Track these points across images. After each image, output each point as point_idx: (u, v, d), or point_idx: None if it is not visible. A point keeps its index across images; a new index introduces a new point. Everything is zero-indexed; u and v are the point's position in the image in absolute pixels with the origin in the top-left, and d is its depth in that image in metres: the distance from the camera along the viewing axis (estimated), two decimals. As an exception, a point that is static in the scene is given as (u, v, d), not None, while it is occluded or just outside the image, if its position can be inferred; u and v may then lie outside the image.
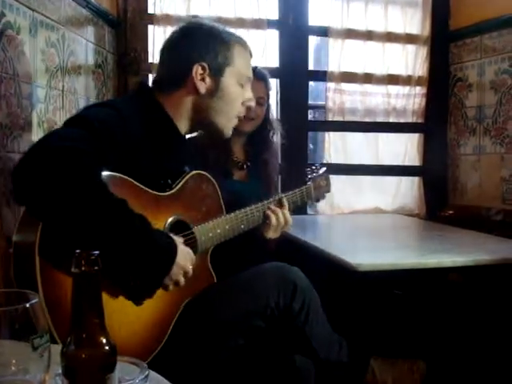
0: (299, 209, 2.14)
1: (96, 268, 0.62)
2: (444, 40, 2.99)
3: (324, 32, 2.90)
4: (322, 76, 2.92)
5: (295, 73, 2.88)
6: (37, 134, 1.66)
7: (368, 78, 2.92)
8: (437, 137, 3.02)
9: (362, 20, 2.90)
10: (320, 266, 1.81)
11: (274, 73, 2.77)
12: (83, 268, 0.62)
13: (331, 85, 2.89)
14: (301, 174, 2.46)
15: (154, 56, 2.63)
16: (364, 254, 1.79)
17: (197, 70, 1.45)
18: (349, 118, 2.94)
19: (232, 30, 1.56)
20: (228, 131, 1.55)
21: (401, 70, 2.97)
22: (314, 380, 1.54)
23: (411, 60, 2.96)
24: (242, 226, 1.58)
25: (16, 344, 0.62)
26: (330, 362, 1.60)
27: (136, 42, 2.70)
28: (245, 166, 2.14)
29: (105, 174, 1.21)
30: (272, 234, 1.67)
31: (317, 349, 1.56)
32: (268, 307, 1.45)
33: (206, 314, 1.44)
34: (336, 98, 2.90)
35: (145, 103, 1.45)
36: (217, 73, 1.47)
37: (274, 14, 2.87)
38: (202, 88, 1.46)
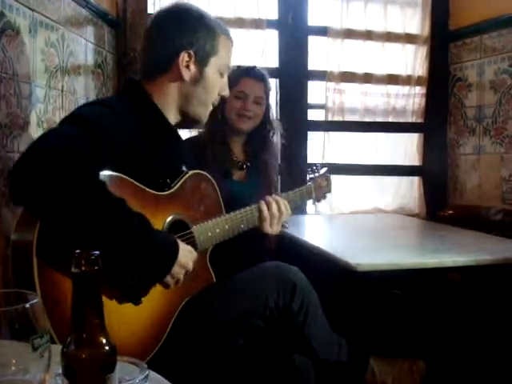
0: (299, 208, 2.14)
1: (96, 268, 0.62)
2: (444, 40, 2.99)
3: (323, 32, 2.90)
4: (321, 76, 2.91)
5: (295, 73, 2.88)
6: (36, 134, 1.66)
7: (368, 78, 2.92)
8: (436, 137, 3.02)
9: (362, 20, 2.90)
10: (320, 266, 1.81)
11: (274, 73, 2.78)
12: (83, 268, 0.62)
13: (331, 85, 2.89)
14: (301, 173, 2.47)
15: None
16: (363, 253, 1.79)
17: (183, 57, 1.44)
18: (348, 117, 2.94)
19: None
20: (204, 119, 1.56)
21: (400, 70, 2.97)
22: (314, 380, 1.54)
23: (411, 60, 2.97)
24: (242, 226, 1.58)
25: (16, 344, 0.62)
26: (330, 361, 1.61)
27: (135, 41, 2.69)
28: (244, 166, 2.14)
29: (103, 173, 1.21)
30: (269, 228, 1.64)
31: (316, 349, 1.56)
32: (267, 307, 1.45)
33: (205, 314, 1.44)
34: (336, 98, 2.90)
35: (135, 98, 1.45)
36: (202, 61, 1.47)
37: (273, 14, 2.87)
38: (187, 75, 1.46)
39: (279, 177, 2.27)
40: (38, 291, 1.09)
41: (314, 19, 2.94)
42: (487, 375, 1.86)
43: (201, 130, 2.15)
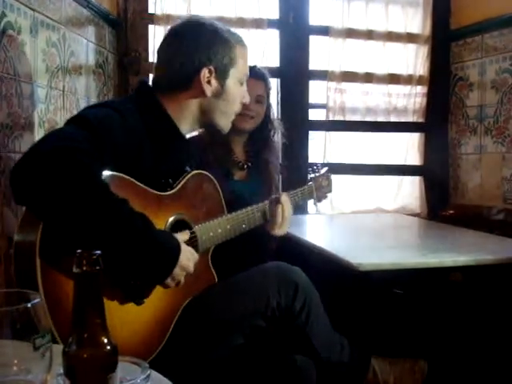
0: (300, 208, 2.14)
1: (97, 268, 0.62)
2: (445, 39, 2.99)
3: (325, 31, 2.89)
4: (322, 75, 2.91)
5: (296, 72, 2.88)
6: (38, 134, 1.66)
7: (369, 78, 2.92)
8: (438, 136, 3.02)
9: (363, 19, 2.90)
10: (321, 265, 1.81)
11: (275, 72, 2.78)
12: (84, 268, 0.62)
13: (332, 84, 2.89)
14: (302, 173, 2.47)
15: (154, 56, 2.62)
16: (365, 253, 1.78)
17: (204, 74, 1.44)
18: (350, 117, 2.94)
19: (232, 29, 1.56)
20: (228, 128, 1.57)
21: (402, 70, 2.96)
22: (316, 380, 1.53)
23: (412, 59, 2.96)
24: (244, 226, 1.58)
25: (18, 344, 0.62)
26: (332, 361, 1.61)
27: (136, 41, 2.70)
28: (245, 166, 2.14)
29: (105, 173, 1.21)
30: (278, 231, 1.69)
31: (318, 349, 1.56)
32: (269, 307, 1.45)
33: (207, 314, 1.44)
34: (337, 98, 2.90)
35: (145, 103, 1.44)
36: (222, 75, 1.47)
37: (274, 14, 2.87)
38: (209, 91, 1.46)
39: (280, 176, 2.27)
40: (41, 291, 1.09)
41: (315, 19, 2.94)
42: (489, 375, 1.86)
43: (202, 130, 2.14)
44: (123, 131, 1.28)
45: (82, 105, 2.07)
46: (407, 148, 3.03)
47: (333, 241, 2.25)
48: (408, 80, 2.96)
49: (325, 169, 1.98)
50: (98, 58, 2.35)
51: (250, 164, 2.14)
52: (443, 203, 3.00)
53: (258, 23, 2.77)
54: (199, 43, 1.45)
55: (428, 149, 3.02)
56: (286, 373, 1.50)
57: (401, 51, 2.96)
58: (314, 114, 3.00)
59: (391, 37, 2.93)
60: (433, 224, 2.67)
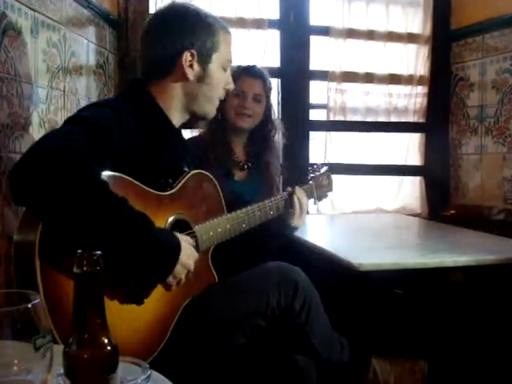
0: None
1: (98, 268, 0.62)
2: (445, 39, 2.99)
3: (325, 31, 2.89)
4: (323, 76, 2.91)
5: (296, 72, 2.88)
6: (38, 135, 1.66)
7: (369, 78, 2.92)
8: (438, 136, 3.02)
9: (364, 19, 2.90)
10: (321, 265, 1.81)
11: (275, 73, 2.78)
12: (85, 268, 0.62)
13: (332, 84, 2.89)
14: (302, 173, 2.46)
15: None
16: (365, 253, 1.79)
17: (186, 57, 1.45)
18: (350, 117, 2.94)
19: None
20: (211, 114, 1.57)
21: (402, 70, 2.96)
22: (316, 380, 1.53)
23: (413, 59, 2.96)
24: (244, 225, 1.58)
25: (18, 344, 0.62)
26: (332, 361, 1.61)
27: (137, 42, 2.66)
28: (246, 167, 2.14)
29: (105, 173, 1.21)
30: (297, 222, 1.81)
31: (318, 348, 1.56)
32: (269, 306, 1.45)
33: (208, 314, 1.44)
34: (337, 98, 2.90)
35: (136, 98, 1.45)
36: (205, 59, 1.47)
37: (275, 14, 2.87)
38: (191, 75, 1.46)
39: (281, 177, 2.27)
40: (41, 291, 1.09)
41: (315, 19, 2.94)
42: (489, 375, 1.86)
43: (202, 130, 2.15)
44: (119, 130, 1.29)
45: (83, 105, 2.06)
46: (408, 148, 3.03)
47: (333, 241, 2.25)
48: (409, 80, 2.96)
49: (325, 168, 1.98)
50: (99, 59, 2.35)
51: (250, 164, 2.15)
52: (444, 203, 3.00)
53: (258, 23, 2.77)
54: (182, 27, 1.46)
55: (428, 149, 3.02)
56: (287, 373, 1.50)
57: (401, 51, 2.96)
58: (315, 115, 2.99)
59: (392, 37, 2.93)
60: (433, 224, 2.67)
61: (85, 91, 2.14)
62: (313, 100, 2.97)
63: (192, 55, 1.45)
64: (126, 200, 1.17)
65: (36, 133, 1.66)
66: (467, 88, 2.89)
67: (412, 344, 1.91)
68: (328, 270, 1.80)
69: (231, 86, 1.59)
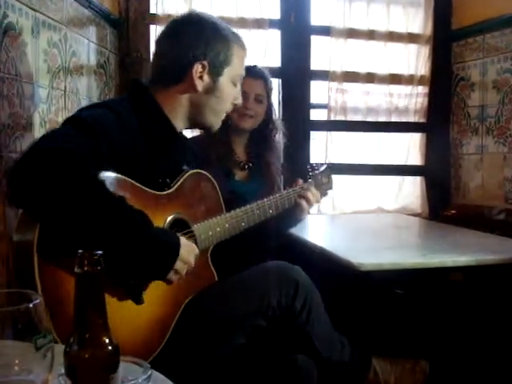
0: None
1: (99, 268, 0.62)
2: (446, 39, 2.99)
3: (326, 31, 2.89)
4: (324, 75, 2.91)
5: (297, 72, 2.88)
6: (39, 135, 1.66)
7: (370, 78, 2.92)
8: (439, 136, 3.01)
9: (364, 19, 2.90)
10: (322, 265, 1.81)
11: (276, 72, 2.78)
12: (86, 268, 0.62)
13: (333, 84, 2.89)
14: (303, 173, 2.46)
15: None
16: (366, 253, 1.78)
17: (197, 69, 1.44)
18: (351, 117, 2.94)
19: (233, 29, 1.56)
20: (216, 127, 1.57)
21: (403, 70, 2.96)
22: (317, 379, 1.53)
23: (413, 59, 2.96)
24: (243, 224, 1.58)
25: (19, 344, 0.62)
26: (332, 361, 1.60)
27: (138, 42, 2.70)
28: (246, 167, 2.14)
29: (103, 174, 1.21)
30: (305, 215, 1.84)
31: (319, 348, 1.56)
32: (270, 306, 1.45)
33: (208, 314, 1.44)
34: (338, 98, 2.90)
35: (139, 101, 1.44)
36: (216, 72, 1.47)
37: (275, 14, 2.86)
38: (200, 86, 1.46)
39: (282, 177, 2.26)
40: (39, 291, 1.09)
41: (316, 19, 2.93)
42: (490, 375, 1.86)
43: (203, 130, 2.15)
44: (119, 131, 1.29)
45: (84, 105, 2.07)
46: (408, 148, 3.02)
47: (334, 241, 2.24)
48: (409, 80, 2.96)
49: (324, 166, 1.97)
50: (100, 59, 2.36)
51: (251, 164, 2.14)
52: (444, 203, 3.00)
53: (259, 23, 2.77)
54: (196, 37, 1.45)
55: (429, 149, 3.02)
56: (287, 372, 1.51)
57: (402, 51, 2.96)
58: (316, 114, 2.99)
59: (392, 37, 2.93)
60: (434, 224, 2.67)
61: (86, 91, 2.14)
62: (313, 100, 2.97)
63: (203, 67, 1.45)
64: (124, 199, 1.17)
65: (37, 133, 1.66)
66: (468, 88, 2.89)
67: (413, 344, 1.91)
68: (328, 269, 1.80)
69: (239, 102, 1.59)
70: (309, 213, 1.85)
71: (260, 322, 1.47)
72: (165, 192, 1.41)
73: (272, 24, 2.82)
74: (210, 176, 1.59)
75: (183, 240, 1.29)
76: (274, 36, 2.86)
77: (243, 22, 2.73)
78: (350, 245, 2.04)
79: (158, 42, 1.54)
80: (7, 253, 1.40)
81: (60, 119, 1.83)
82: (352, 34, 2.89)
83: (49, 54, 1.76)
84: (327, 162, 2.85)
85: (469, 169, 2.89)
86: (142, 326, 1.30)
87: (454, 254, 1.78)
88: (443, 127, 3.02)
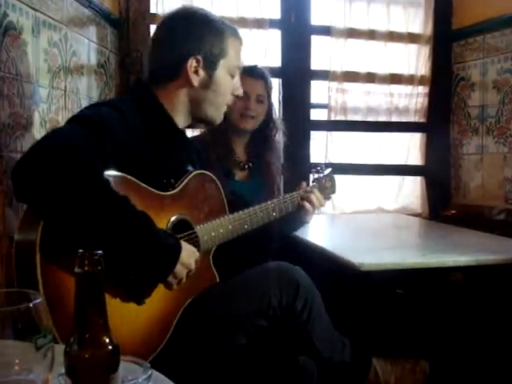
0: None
1: (99, 268, 0.62)
2: (446, 39, 2.99)
3: (326, 31, 2.89)
4: (324, 75, 2.91)
5: (297, 72, 2.88)
6: (39, 134, 1.66)
7: (370, 78, 2.92)
8: (439, 136, 3.01)
9: (365, 19, 2.90)
10: (322, 265, 1.81)
11: (277, 72, 2.78)
12: (86, 268, 0.62)
13: (333, 84, 2.89)
14: (303, 173, 2.47)
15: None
16: (366, 253, 1.78)
17: (191, 64, 1.44)
18: (351, 117, 2.94)
19: (232, 26, 1.55)
20: (218, 120, 1.57)
21: (403, 70, 2.96)
22: (317, 379, 1.53)
23: (413, 59, 2.96)
24: (246, 226, 1.58)
25: (19, 344, 0.62)
26: (333, 361, 1.60)
27: (138, 41, 2.70)
28: (247, 167, 2.14)
29: (107, 173, 1.21)
30: (310, 218, 1.81)
31: (319, 348, 1.56)
32: (270, 306, 1.45)
33: (209, 314, 1.44)
34: (338, 98, 2.90)
35: (141, 99, 1.45)
36: (211, 66, 1.47)
37: (276, 14, 2.86)
38: (195, 81, 1.46)
39: (282, 177, 2.26)
40: (41, 291, 1.09)
41: (316, 19, 2.93)
42: (490, 375, 1.86)
43: (203, 130, 2.15)
44: (124, 130, 1.29)
45: (84, 105, 2.07)
46: (409, 148, 3.02)
47: (334, 240, 2.25)
48: (410, 80, 2.96)
49: (328, 170, 1.97)
50: (100, 58, 2.35)
51: (251, 164, 2.14)
52: (444, 203, 3.00)
53: (259, 23, 2.77)
54: (189, 32, 1.45)
55: (429, 149, 3.02)
56: (288, 373, 1.51)
57: (402, 51, 2.96)
58: (316, 114, 2.99)
59: (393, 37, 2.93)
60: (434, 224, 2.67)
61: (86, 91, 2.14)
62: (314, 100, 2.96)
63: (197, 61, 1.45)
64: (128, 198, 1.17)
65: (37, 132, 1.66)
66: (468, 88, 2.89)
67: (413, 344, 1.91)
68: (329, 269, 1.80)
69: (240, 92, 1.58)
70: (313, 215, 1.83)
71: (261, 322, 1.46)
72: (169, 192, 1.41)
73: (272, 24, 2.82)
74: (214, 177, 1.59)
75: (185, 244, 1.29)
76: (275, 36, 2.85)
77: (243, 22, 2.73)
78: (351, 245, 2.04)
79: (152, 40, 1.54)
80: (7, 252, 1.40)
81: (60, 119, 1.83)
82: (352, 33, 2.88)
83: (49, 53, 1.76)
84: (327, 161, 2.85)
85: (469, 169, 2.89)
86: (142, 325, 1.30)
87: (454, 253, 1.78)
88: (443, 127, 3.02)
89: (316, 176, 1.92)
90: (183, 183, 1.46)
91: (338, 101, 2.90)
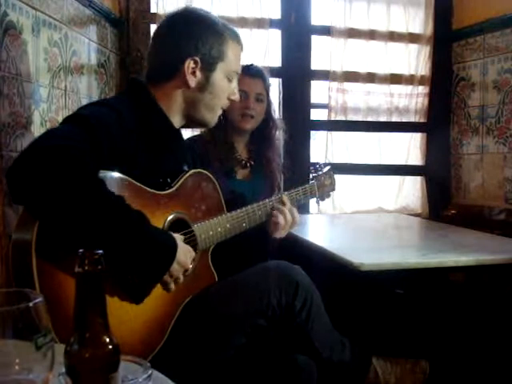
0: (302, 207, 2.14)
1: (99, 267, 0.62)
2: (447, 39, 2.99)
3: (326, 31, 2.89)
4: (324, 75, 2.91)
5: (298, 72, 2.88)
6: (39, 134, 1.65)
7: (370, 78, 2.92)
8: (439, 136, 3.01)
9: (365, 19, 2.90)
10: (322, 265, 1.81)
11: (277, 72, 2.78)
12: (86, 268, 0.62)
13: (334, 84, 2.89)
14: (303, 173, 2.47)
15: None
16: (366, 253, 1.78)
17: (189, 64, 1.44)
18: (351, 117, 2.94)
19: (233, 30, 1.55)
20: (213, 123, 1.56)
21: (403, 70, 2.97)
22: (317, 379, 1.53)
23: (414, 59, 2.96)
24: (244, 225, 1.58)
25: (19, 343, 0.62)
26: (332, 361, 1.60)
27: (138, 41, 2.70)
28: (248, 165, 2.14)
29: (103, 173, 1.21)
30: (279, 234, 1.67)
31: (319, 348, 1.56)
32: (270, 306, 1.45)
33: (208, 313, 1.44)
34: (338, 98, 2.90)
35: (137, 98, 1.44)
36: (208, 67, 1.47)
37: (276, 14, 2.87)
38: (192, 82, 1.46)
39: (282, 176, 2.26)
40: (37, 289, 1.09)
41: (316, 19, 2.94)
42: (490, 375, 1.86)
43: (203, 130, 2.14)
44: (120, 129, 1.28)
45: (84, 104, 2.07)
46: (409, 148, 3.03)
47: (334, 240, 2.24)
48: (410, 80, 2.96)
49: (327, 167, 1.97)
50: (100, 58, 2.35)
51: (252, 162, 2.14)
52: (445, 203, 3.00)
53: (259, 23, 2.77)
54: (188, 33, 1.45)
55: (430, 149, 3.02)
56: (288, 372, 1.50)
57: (402, 51, 2.96)
58: (316, 114, 2.99)
59: (393, 37, 2.93)
60: (434, 224, 2.67)
61: (86, 90, 2.14)
62: (314, 100, 2.97)
63: (195, 62, 1.45)
64: (123, 198, 1.17)
65: (37, 132, 1.66)
66: (468, 88, 2.89)
67: (413, 344, 1.91)
68: (329, 269, 1.80)
69: (236, 97, 1.57)
70: (280, 233, 1.67)
71: (260, 321, 1.46)
72: (165, 191, 1.41)
73: (272, 24, 2.82)
74: (211, 176, 1.58)
75: (181, 243, 1.29)
76: (275, 36, 2.86)
77: (244, 22, 2.73)
78: (351, 245, 2.04)
79: (152, 40, 1.54)
80: (7, 252, 1.40)
81: (60, 118, 1.83)
82: (352, 33, 2.89)
83: (49, 53, 1.76)
84: (327, 161, 2.85)
85: (469, 169, 2.89)
86: (140, 325, 1.30)
87: (454, 253, 1.78)
88: (443, 127, 3.03)
89: (315, 174, 1.91)
90: (180, 182, 1.45)
91: (338, 101, 2.90)
